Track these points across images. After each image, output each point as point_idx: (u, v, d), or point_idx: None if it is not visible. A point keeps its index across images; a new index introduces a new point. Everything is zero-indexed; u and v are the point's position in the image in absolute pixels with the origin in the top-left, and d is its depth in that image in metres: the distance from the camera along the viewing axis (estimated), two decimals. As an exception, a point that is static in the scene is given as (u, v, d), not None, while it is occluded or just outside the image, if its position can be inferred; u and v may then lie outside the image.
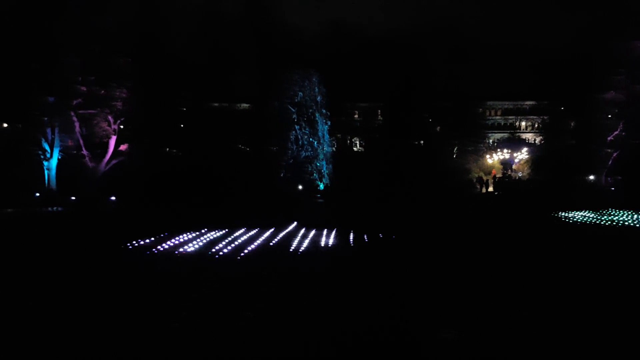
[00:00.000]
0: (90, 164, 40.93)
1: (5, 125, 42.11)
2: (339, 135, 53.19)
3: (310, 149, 45.92)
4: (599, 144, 52.08)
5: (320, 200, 41.24)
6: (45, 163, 39.58)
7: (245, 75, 49.51)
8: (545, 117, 59.74)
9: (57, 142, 39.82)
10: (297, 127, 45.68)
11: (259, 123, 47.17)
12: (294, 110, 45.63)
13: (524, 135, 65.23)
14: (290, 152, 45.73)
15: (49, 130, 39.72)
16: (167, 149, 48.46)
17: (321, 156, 46.34)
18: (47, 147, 39.58)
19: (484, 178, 53.77)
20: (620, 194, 42.25)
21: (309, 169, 45.77)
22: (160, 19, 46.93)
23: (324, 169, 46.50)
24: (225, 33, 49.31)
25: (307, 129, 45.87)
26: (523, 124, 66.93)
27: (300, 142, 45.81)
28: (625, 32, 48.36)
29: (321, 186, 46.17)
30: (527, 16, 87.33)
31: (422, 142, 53.22)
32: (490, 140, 62.11)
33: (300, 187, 44.91)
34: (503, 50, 55.82)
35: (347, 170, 45.87)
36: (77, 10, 40.05)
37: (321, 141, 46.45)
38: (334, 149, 50.01)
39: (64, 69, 39.00)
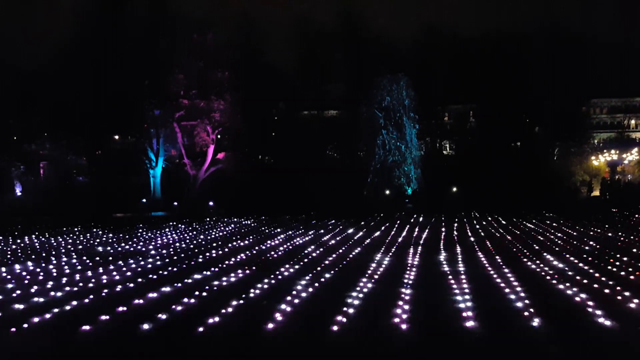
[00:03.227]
0: (191, 172, 41.22)
1: (116, 137, 43.99)
2: (427, 139, 49.05)
3: (397, 154, 42.55)
4: None
5: (409, 206, 38.03)
6: (151, 171, 40.48)
7: (335, 82, 47.63)
8: (659, 114, 51.05)
9: (161, 152, 40.63)
10: (384, 131, 42.60)
11: (347, 129, 44.94)
12: (381, 115, 42.69)
13: (633, 135, 56.24)
14: (377, 156, 42.79)
15: (154, 141, 40.65)
16: (260, 157, 47.90)
17: (409, 160, 42.74)
18: (152, 157, 40.49)
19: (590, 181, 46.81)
20: None
21: (397, 174, 42.46)
22: (257, 32, 46.65)
23: (412, 173, 42.87)
24: (317, 42, 47.89)
25: (394, 133, 42.59)
26: (632, 122, 57.78)
27: (387, 147, 42.66)
28: None
29: (409, 191, 42.64)
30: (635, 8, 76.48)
31: (519, 144, 47.36)
32: (595, 141, 53.97)
33: (387, 192, 41.78)
34: (608, 44, 48.45)
35: (437, 174, 41.88)
36: (182, 29, 40.82)
37: (409, 145, 42.85)
38: (422, 152, 46.11)
39: (169, 84, 39.86)
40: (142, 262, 13.44)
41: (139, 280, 10.90)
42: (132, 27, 40.93)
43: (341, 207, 31.85)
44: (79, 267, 12.75)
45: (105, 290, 9.78)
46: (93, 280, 10.95)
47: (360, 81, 44.20)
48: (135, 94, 39.55)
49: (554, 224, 23.83)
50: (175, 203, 37.61)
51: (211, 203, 37.22)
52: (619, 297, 8.79)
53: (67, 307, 8.40)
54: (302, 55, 46.99)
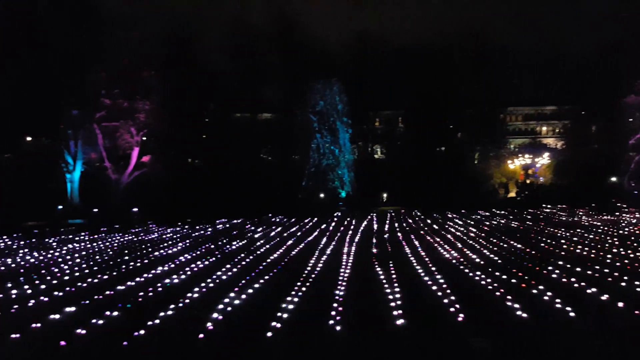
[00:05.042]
0: (113, 176, 38.98)
1: (29, 138, 40.62)
2: (360, 143, 50.46)
3: (331, 157, 43.40)
4: (621, 147, 48.78)
5: (343, 208, 38.82)
6: (68, 176, 37.76)
7: (269, 86, 47.37)
8: (566, 122, 56.18)
9: (80, 154, 38.05)
10: (318, 135, 43.25)
11: (281, 132, 44.91)
12: (315, 119, 43.30)
13: (545, 140, 61.53)
14: (312, 160, 43.31)
15: (72, 143, 38.02)
16: (190, 160, 46.44)
17: (343, 164, 43.75)
18: (70, 160, 37.82)
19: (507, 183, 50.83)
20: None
21: (331, 177, 43.24)
22: (188, 31, 45.20)
23: (346, 176, 43.86)
24: (251, 44, 47.37)
25: (328, 137, 43.41)
26: (544, 129, 63.14)
27: (321, 151, 43.34)
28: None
29: (343, 194, 43.57)
30: (548, 22, 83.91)
31: (443, 148, 50.22)
32: (512, 146, 58.40)
33: (322, 195, 42.35)
34: (524, 56, 52.64)
35: (369, 178, 43.21)
36: (105, 25, 38.62)
37: (342, 149, 43.89)
38: (355, 156, 47.34)
39: (89, 82, 37.48)
40: (59, 274, 12.49)
41: (55, 293, 10.13)
42: (48, 20, 37.97)
43: (276, 211, 31.93)
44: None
45: (16, 306, 8.98)
46: (0, 295, 10.02)
47: (294, 85, 44.44)
48: (51, 92, 36.76)
49: (472, 222, 25.67)
50: (96, 210, 35.35)
51: (135, 209, 35.42)
52: (534, 291, 9.56)
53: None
54: (235, 56, 46.34)
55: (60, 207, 35.44)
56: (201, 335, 7.05)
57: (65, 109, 37.53)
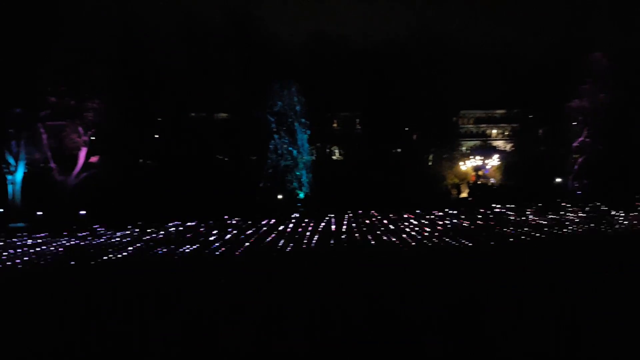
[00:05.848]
0: (58, 178, 37.23)
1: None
2: (318, 144, 50.65)
3: (289, 158, 43.38)
4: (566, 149, 51.60)
5: (302, 210, 38.82)
6: (9, 177, 35.73)
7: (225, 85, 46.60)
8: (515, 125, 58.76)
9: (22, 155, 36.09)
10: (276, 136, 43.16)
11: (237, 133, 44.40)
12: (273, 119, 43.18)
13: (495, 143, 64.03)
14: (269, 161, 43.14)
15: (13, 143, 35.99)
16: (141, 160, 44.99)
17: (301, 165, 43.83)
18: (11, 161, 35.80)
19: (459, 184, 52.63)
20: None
21: (289, 178, 43.22)
22: (139, 28, 43.76)
23: (304, 177, 43.95)
24: (205, 43, 46.49)
25: (286, 138, 43.36)
26: (494, 131, 65.73)
27: (279, 152, 43.26)
28: (591, 45, 48.57)
29: (301, 195, 43.64)
30: (498, 27, 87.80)
31: (399, 150, 51.32)
32: (464, 148, 60.43)
33: (280, 196, 42.21)
34: (475, 59, 54.51)
35: (327, 179, 43.47)
36: (51, 20, 36.77)
37: (300, 150, 43.99)
38: (313, 157, 47.52)
39: (33, 79, 35.58)
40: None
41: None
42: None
43: (233, 212, 31.52)
44: None
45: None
46: None
47: (251, 85, 44.07)
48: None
49: (424, 221, 27.02)
50: (40, 213, 33.62)
51: (83, 212, 33.95)
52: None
53: None
54: (190, 54, 45.34)
55: (0, 210, 33.58)
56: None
57: (7, 107, 35.53)
